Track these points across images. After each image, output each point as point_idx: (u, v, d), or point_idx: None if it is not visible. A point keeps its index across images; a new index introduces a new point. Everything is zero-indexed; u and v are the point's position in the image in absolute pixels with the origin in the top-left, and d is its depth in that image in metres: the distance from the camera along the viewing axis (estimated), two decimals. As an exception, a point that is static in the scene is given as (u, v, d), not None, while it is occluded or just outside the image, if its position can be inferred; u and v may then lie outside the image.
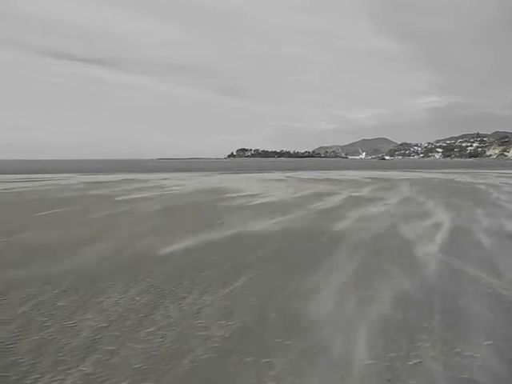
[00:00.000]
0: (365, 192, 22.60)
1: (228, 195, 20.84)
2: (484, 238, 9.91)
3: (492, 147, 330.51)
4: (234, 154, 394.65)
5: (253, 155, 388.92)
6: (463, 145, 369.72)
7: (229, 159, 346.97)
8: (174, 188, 25.83)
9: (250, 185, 29.04)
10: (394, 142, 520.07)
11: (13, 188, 25.81)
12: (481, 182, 31.77)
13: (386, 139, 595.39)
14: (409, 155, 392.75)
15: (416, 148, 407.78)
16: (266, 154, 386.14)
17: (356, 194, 21.15)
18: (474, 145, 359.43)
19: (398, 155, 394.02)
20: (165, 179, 36.19)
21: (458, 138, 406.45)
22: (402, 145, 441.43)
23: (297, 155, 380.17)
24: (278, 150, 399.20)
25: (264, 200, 18.51)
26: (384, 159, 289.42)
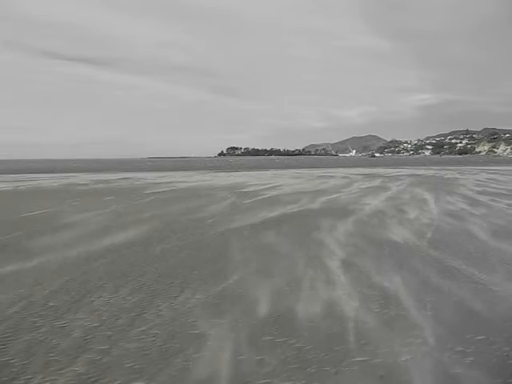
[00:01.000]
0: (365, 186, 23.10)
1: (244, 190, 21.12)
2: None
3: (481, 144, 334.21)
4: (224, 152, 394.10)
5: (243, 153, 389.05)
6: (453, 142, 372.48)
7: (219, 158, 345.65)
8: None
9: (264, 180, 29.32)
10: (383, 140, 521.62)
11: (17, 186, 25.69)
12: (467, 177, 32.45)
13: (375, 136, 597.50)
14: (398, 152, 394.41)
15: (406, 145, 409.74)
16: (256, 153, 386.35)
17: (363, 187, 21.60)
18: (464, 141, 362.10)
19: (388, 152, 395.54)
20: (162, 177, 36.00)
21: (448, 134, 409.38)
22: (391, 142, 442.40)
23: (287, 153, 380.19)
24: (269, 149, 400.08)
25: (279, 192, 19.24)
26: (374, 156, 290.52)
